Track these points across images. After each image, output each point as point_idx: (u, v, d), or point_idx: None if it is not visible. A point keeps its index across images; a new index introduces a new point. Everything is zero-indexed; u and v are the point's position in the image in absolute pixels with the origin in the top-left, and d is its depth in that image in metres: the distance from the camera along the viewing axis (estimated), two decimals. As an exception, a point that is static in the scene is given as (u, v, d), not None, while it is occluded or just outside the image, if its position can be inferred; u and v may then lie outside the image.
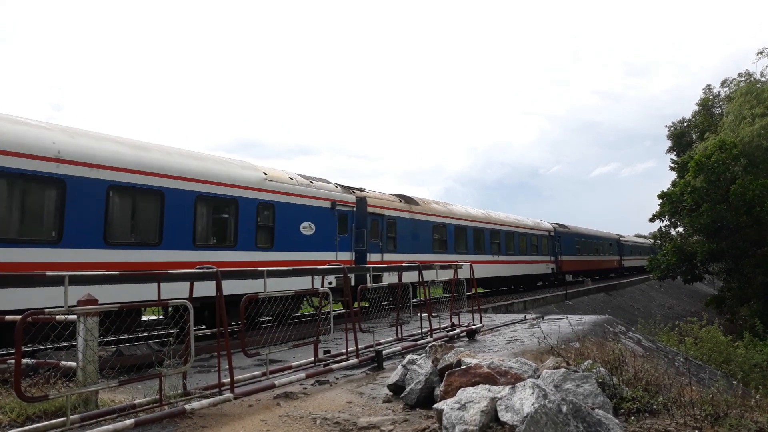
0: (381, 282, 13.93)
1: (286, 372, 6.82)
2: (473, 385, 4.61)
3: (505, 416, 3.95)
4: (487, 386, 4.45)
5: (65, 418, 4.53)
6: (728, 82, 36.61)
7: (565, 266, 32.51)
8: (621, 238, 46.61)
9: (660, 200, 31.48)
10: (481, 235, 22.87)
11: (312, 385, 6.40)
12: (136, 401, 5.19)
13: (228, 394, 5.52)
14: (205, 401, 5.30)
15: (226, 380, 5.73)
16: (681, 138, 40.44)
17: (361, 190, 16.80)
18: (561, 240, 32.00)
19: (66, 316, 4.86)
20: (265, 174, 12.47)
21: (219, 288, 5.80)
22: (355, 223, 15.00)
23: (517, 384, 4.21)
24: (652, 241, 57.51)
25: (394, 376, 5.84)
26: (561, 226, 33.14)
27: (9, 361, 5.80)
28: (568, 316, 13.88)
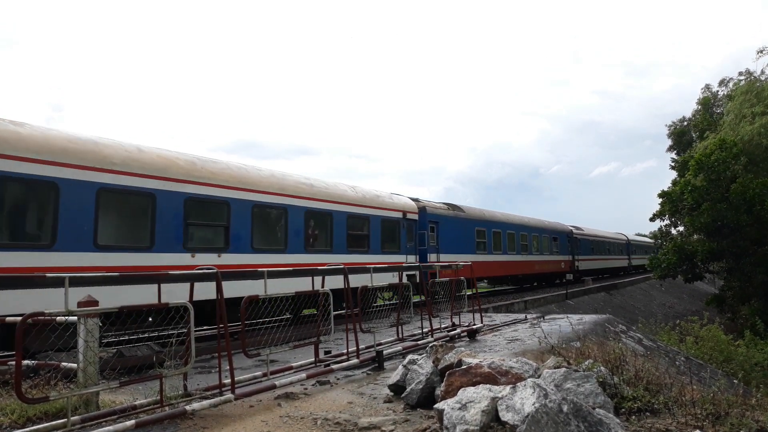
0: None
1: (286, 372, 6.82)
2: (474, 385, 4.61)
3: (506, 416, 3.94)
4: (488, 386, 4.44)
5: (66, 419, 4.53)
6: (726, 81, 36.79)
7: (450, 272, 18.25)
8: (574, 231, 34.86)
9: (660, 199, 31.56)
10: (224, 212, 11.38)
11: (313, 385, 6.40)
12: (137, 402, 5.19)
13: (229, 395, 5.52)
14: (205, 402, 5.30)
15: (227, 381, 5.73)
16: (681, 137, 40.59)
17: None
18: (439, 229, 19.83)
19: (66, 317, 4.86)
20: None
21: (219, 289, 5.80)
22: None
23: (518, 384, 4.21)
24: (625, 237, 49.11)
25: (394, 377, 5.83)
26: (452, 207, 21.64)
27: (10, 363, 5.80)
28: (569, 315, 13.89)
